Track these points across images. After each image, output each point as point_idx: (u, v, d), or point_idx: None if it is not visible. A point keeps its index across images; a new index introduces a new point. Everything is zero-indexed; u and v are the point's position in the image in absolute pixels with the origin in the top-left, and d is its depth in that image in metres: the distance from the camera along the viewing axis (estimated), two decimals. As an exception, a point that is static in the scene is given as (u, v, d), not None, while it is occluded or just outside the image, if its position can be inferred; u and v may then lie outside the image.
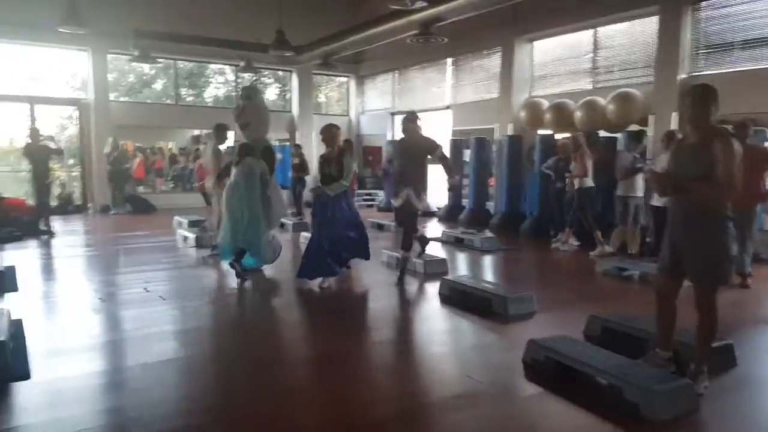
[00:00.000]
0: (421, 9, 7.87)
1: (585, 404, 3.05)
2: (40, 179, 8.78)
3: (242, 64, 12.47)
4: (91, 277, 6.12)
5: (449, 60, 12.54)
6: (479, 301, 4.90)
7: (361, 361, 3.82)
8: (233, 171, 5.75)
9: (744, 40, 7.71)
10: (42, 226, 8.80)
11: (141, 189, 13.81)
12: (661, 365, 3.30)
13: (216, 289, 5.80)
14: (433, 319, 4.85)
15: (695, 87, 3.20)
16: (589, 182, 7.72)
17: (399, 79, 14.27)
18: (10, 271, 5.67)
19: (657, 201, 6.63)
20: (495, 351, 4.06)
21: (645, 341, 3.72)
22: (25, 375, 3.29)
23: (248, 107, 6.18)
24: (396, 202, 5.75)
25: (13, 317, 3.96)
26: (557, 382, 3.31)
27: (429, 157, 5.62)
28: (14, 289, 5.24)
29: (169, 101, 14.15)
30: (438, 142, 5.76)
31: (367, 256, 5.83)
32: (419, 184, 5.59)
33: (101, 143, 11.75)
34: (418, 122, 5.68)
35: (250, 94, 6.40)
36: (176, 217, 9.92)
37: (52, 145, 9.17)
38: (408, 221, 5.70)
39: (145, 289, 5.36)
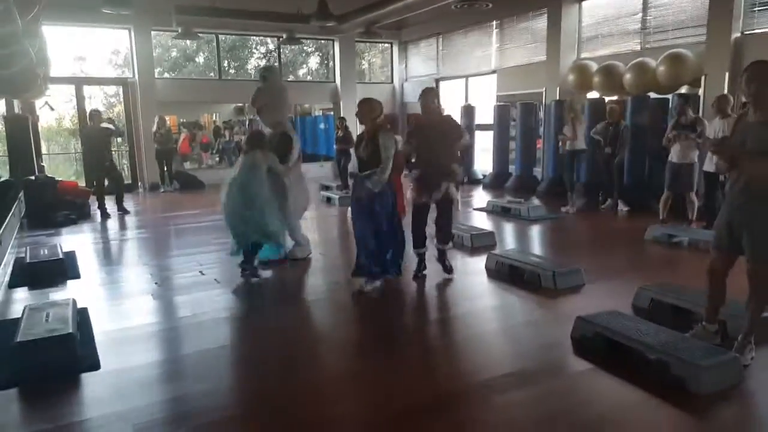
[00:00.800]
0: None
1: (633, 380, 3.07)
2: (101, 162, 8.82)
3: (284, 35, 12.41)
4: (146, 260, 6.26)
5: (494, 23, 12.12)
6: (528, 276, 4.89)
7: (410, 343, 3.83)
8: (238, 162, 5.37)
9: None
10: (110, 207, 8.94)
11: (187, 165, 14.17)
12: (707, 338, 3.36)
13: (270, 270, 5.88)
14: (482, 295, 4.82)
15: (754, 64, 3.10)
16: (581, 145, 8.34)
17: (443, 44, 13.91)
18: (71, 257, 5.92)
19: (709, 166, 6.35)
20: (544, 327, 4.03)
21: (693, 313, 3.76)
22: (95, 365, 3.37)
23: (264, 89, 5.70)
24: (431, 197, 4.82)
25: (79, 306, 4.16)
26: (606, 358, 3.31)
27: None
28: (77, 276, 5.41)
29: (212, 75, 14.33)
30: (462, 128, 5.07)
31: (394, 271, 4.83)
32: (455, 173, 4.83)
33: (148, 121, 12.03)
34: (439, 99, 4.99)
35: (266, 75, 5.88)
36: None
37: (111, 127, 9.31)
38: (447, 214, 4.97)
39: (200, 272, 5.49)
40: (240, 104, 17.05)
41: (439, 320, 4.33)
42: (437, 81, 14.22)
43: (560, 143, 8.57)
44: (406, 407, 2.88)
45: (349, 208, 5.46)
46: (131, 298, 4.83)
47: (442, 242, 5.05)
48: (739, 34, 7.71)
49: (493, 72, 12.26)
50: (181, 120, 15.17)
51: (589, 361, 3.32)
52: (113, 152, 12.92)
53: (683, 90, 8.39)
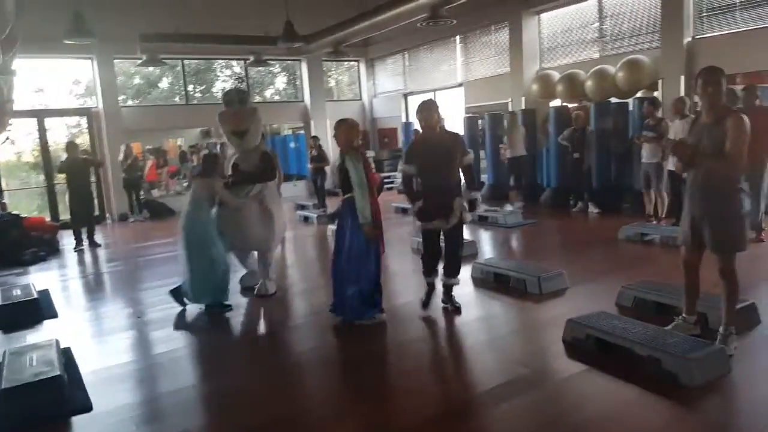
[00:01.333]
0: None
1: (627, 377, 3.17)
2: (82, 193, 8.75)
3: (252, 58, 12.40)
4: (124, 294, 6.14)
5: (458, 38, 12.40)
6: (513, 282, 4.99)
7: (402, 359, 3.82)
8: (188, 193, 5.14)
9: (744, 0, 7.66)
10: (85, 238, 8.87)
11: (155, 192, 13.91)
12: (688, 330, 3.54)
13: (250, 299, 5.74)
14: (469, 305, 4.78)
15: (704, 70, 3.34)
16: (521, 151, 9.21)
17: (409, 60, 14.16)
18: (46, 296, 5.72)
19: (671, 166, 6.65)
20: (535, 332, 4.13)
21: (675, 308, 3.89)
22: (87, 407, 3.26)
23: (247, 112, 5.39)
24: (447, 221, 4.29)
25: (62, 346, 4.02)
26: (598, 358, 3.41)
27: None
28: (54, 315, 5.24)
29: (178, 100, 14.19)
30: (465, 145, 4.58)
31: (354, 315, 4.31)
32: (461, 191, 4.36)
33: (114, 151, 11.82)
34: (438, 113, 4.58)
35: (244, 97, 5.59)
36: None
37: (91, 158, 9.36)
38: (457, 240, 4.46)
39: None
40: (206, 128, 16.96)
41: (431, 334, 4.34)
42: (405, 96, 14.43)
43: (501, 152, 9.57)
44: (404, 426, 2.89)
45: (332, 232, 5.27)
46: (114, 334, 4.71)
47: (451, 275, 4.49)
48: (690, 39, 8.11)
49: (460, 85, 12.51)
50: (147, 147, 14.90)
51: (583, 363, 3.40)
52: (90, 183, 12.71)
53: (639, 94, 8.74)
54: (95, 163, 9.42)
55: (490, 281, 5.22)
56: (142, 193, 12.17)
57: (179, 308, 5.16)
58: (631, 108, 8.52)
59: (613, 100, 9.10)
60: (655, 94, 8.34)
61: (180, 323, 4.86)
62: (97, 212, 12.14)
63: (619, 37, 9.40)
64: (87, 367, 3.88)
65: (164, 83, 16.60)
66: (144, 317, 5.03)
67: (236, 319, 4.93)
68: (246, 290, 5.56)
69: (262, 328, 4.87)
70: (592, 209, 8.58)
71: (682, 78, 8.02)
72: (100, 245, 9.03)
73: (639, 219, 7.34)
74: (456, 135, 4.60)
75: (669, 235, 6.29)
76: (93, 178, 12.22)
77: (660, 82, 8.30)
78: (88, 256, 8.53)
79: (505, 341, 4.00)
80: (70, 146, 8.88)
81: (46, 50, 11.03)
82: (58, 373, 3.43)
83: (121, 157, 11.41)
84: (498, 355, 3.77)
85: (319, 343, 4.27)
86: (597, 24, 9.70)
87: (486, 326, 4.39)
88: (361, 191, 4.06)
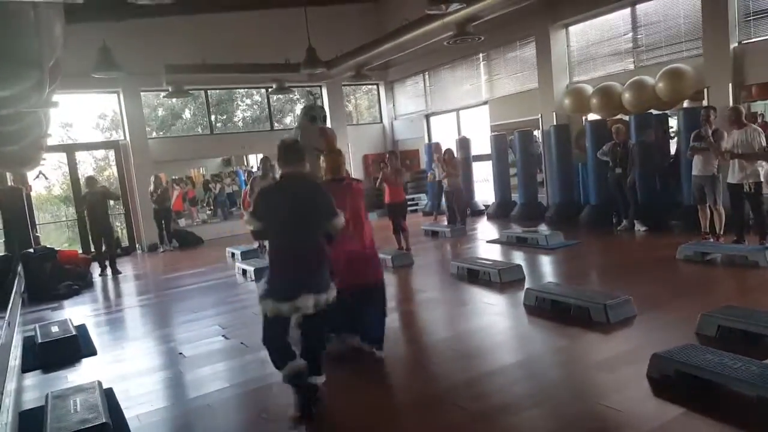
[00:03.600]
0: (456, 11, 7.61)
1: (734, 422, 2.79)
2: (101, 224, 9.23)
3: (274, 86, 12.42)
4: (163, 328, 5.96)
5: (481, 55, 12.23)
6: (575, 310, 4.64)
7: (472, 404, 3.36)
8: None
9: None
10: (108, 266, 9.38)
11: (181, 222, 13.90)
12: None
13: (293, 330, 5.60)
14: (531, 339, 4.50)
15: None
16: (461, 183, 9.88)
17: (430, 80, 14.01)
18: (83, 331, 5.58)
19: (732, 178, 6.29)
20: (612, 369, 3.69)
21: (763, 337, 3.61)
22: None
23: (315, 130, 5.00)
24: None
25: (104, 386, 3.85)
26: (694, 399, 3.05)
27: None
28: (93, 352, 5.08)
29: (201, 130, 14.22)
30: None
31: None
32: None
33: (142, 182, 11.82)
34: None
35: (325, 116, 5.27)
36: (228, 249, 9.88)
37: (110, 191, 9.86)
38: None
39: (223, 336, 5.18)
40: (227, 157, 17.04)
41: (495, 372, 3.84)
42: (427, 117, 14.27)
43: (444, 178, 9.86)
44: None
45: None
46: (157, 373, 4.48)
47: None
48: (737, 44, 7.78)
49: (485, 103, 12.31)
50: (172, 177, 14.97)
51: (678, 404, 3.04)
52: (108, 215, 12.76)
53: (685, 104, 8.43)
54: (113, 196, 9.83)
55: (547, 309, 4.89)
56: (171, 223, 12.13)
57: (220, 344, 4.95)
58: (676, 119, 8.18)
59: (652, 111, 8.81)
60: (702, 103, 7.99)
61: (226, 357, 4.65)
62: (126, 243, 12.17)
63: (655, 46, 9.10)
64: (131, 411, 3.67)
65: (187, 114, 16.76)
66: (187, 354, 4.80)
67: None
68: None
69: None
70: (639, 227, 8.18)
71: (730, 85, 7.66)
72: (121, 273, 9.37)
73: (691, 237, 6.93)
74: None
75: (733, 254, 5.92)
76: (122, 210, 12.33)
77: (706, 90, 7.95)
78: (120, 288, 8.44)
79: (584, 380, 3.61)
80: (90, 181, 9.44)
81: (75, 85, 11.09)
82: (104, 420, 3.25)
83: (151, 188, 11.39)
84: (579, 396, 3.37)
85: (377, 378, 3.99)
86: (630, 34, 9.43)
87: (556, 362, 3.97)
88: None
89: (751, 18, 7.72)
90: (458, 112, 13.36)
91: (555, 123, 10.27)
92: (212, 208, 16.14)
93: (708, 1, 7.90)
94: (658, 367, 3.34)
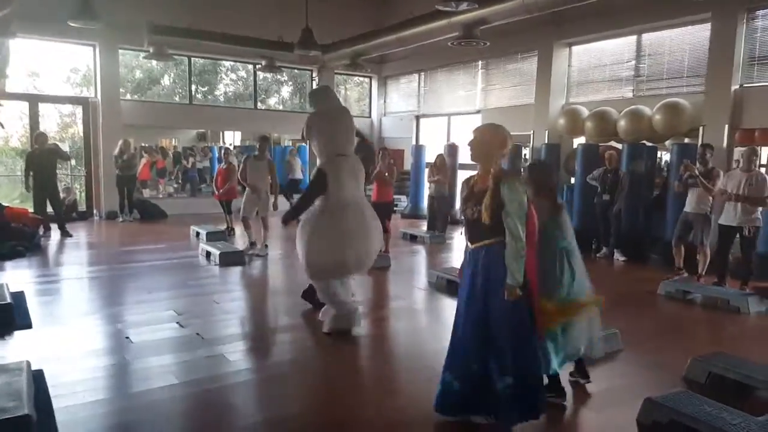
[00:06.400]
0: (466, 11, 7.30)
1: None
2: (47, 184, 8.73)
3: (263, 62, 11.88)
4: (111, 306, 5.41)
5: (480, 63, 11.97)
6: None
7: None
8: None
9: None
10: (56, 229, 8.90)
11: (146, 192, 13.20)
12: None
13: (260, 325, 5.17)
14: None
15: None
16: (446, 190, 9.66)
17: (425, 81, 13.67)
18: (21, 300, 5.00)
19: (725, 219, 6.16)
20: (599, 409, 3.43)
21: (753, 389, 3.51)
22: None
23: None
24: None
25: (34, 367, 3.36)
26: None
27: None
28: (27, 325, 4.52)
29: (179, 99, 13.52)
30: None
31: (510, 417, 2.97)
32: None
33: (109, 145, 11.08)
34: None
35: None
36: (193, 227, 9.32)
37: (60, 149, 9.25)
38: None
39: (178, 323, 4.70)
40: (203, 130, 16.33)
41: None
42: (417, 118, 13.94)
43: (432, 186, 9.68)
44: None
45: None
46: (99, 358, 3.97)
47: None
48: (738, 87, 7.72)
49: (478, 112, 12.06)
50: (142, 144, 14.21)
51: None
52: (66, 176, 11.99)
53: (685, 140, 8.33)
54: (63, 155, 9.44)
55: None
56: (134, 192, 11.43)
57: (174, 332, 4.46)
58: (668, 153, 8.07)
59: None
60: (697, 141, 7.89)
61: (179, 349, 4.18)
62: (84, 208, 11.43)
63: (656, 77, 9.00)
64: (61, 400, 3.20)
65: (166, 80, 15.99)
66: (134, 340, 4.31)
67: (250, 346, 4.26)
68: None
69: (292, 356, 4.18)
70: (618, 256, 8.07)
71: (727, 127, 7.61)
72: (72, 236, 8.92)
73: (668, 271, 6.82)
74: None
75: (715, 296, 5.81)
76: (83, 172, 11.57)
77: (701, 129, 7.86)
78: (70, 256, 7.80)
79: (569, 418, 3.34)
80: (39, 137, 9.03)
81: (48, 32, 10.39)
82: (26, 411, 2.77)
83: (116, 152, 10.67)
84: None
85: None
86: (633, 62, 9.30)
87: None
88: (517, 238, 2.84)
89: (756, 62, 7.67)
90: (450, 117, 13.07)
91: (547, 141, 10.09)
92: (180, 182, 15.47)
93: (716, 40, 7.83)
94: (650, 413, 3.08)
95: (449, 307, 5.50)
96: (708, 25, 7.98)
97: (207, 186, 13.88)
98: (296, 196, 11.40)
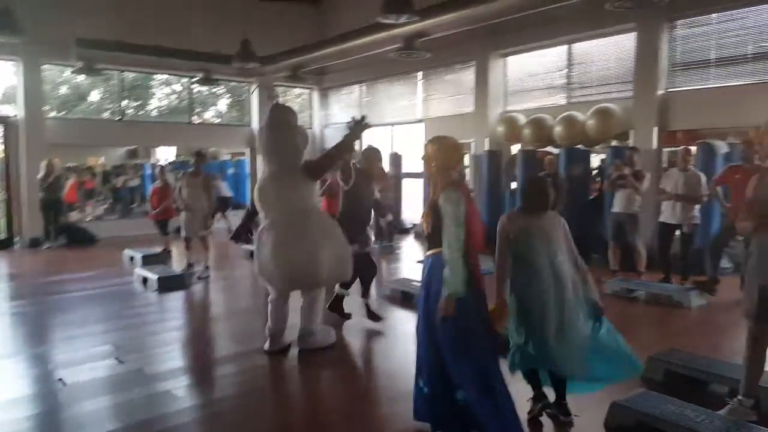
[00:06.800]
0: (407, 23, 7.33)
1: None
2: None
3: (200, 75, 11.50)
4: (38, 345, 4.94)
5: (420, 74, 12.09)
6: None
7: None
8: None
9: (719, 58, 7.80)
10: None
11: (74, 215, 12.40)
12: (745, 415, 3.11)
13: (207, 354, 4.85)
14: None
15: None
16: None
17: (366, 92, 13.66)
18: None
19: (666, 217, 6.42)
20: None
21: (706, 384, 3.67)
22: None
23: None
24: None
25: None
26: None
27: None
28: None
29: (109, 116, 12.84)
30: None
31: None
32: None
33: (33, 167, 10.36)
34: None
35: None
36: (126, 251, 8.79)
37: None
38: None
39: (117, 359, 4.35)
40: (133, 147, 15.63)
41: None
42: (359, 128, 13.89)
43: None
44: None
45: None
46: (26, 406, 3.60)
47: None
48: (663, 91, 8.15)
49: (420, 121, 12.16)
50: (68, 164, 13.37)
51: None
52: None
53: (614, 143, 8.70)
54: None
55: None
56: (61, 216, 10.69)
57: (112, 370, 4.13)
58: (603, 156, 8.41)
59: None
60: (628, 143, 8.28)
61: (120, 387, 3.85)
62: (4, 235, 10.60)
63: (587, 84, 9.39)
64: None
65: (95, 96, 15.19)
66: (69, 381, 3.93)
67: (200, 381, 3.98)
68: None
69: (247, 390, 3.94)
70: (563, 260, 8.28)
71: (655, 129, 8.03)
72: None
73: (608, 271, 6.96)
74: None
75: (659, 293, 6.03)
76: (3, 196, 10.74)
77: (632, 132, 8.25)
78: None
79: (532, 422, 3.30)
80: None
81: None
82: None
83: (41, 174, 9.96)
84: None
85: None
86: (565, 71, 9.66)
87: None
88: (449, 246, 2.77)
89: (678, 69, 8.14)
90: (392, 127, 13.11)
91: (487, 148, 10.29)
92: (111, 202, 14.71)
93: (642, 48, 8.25)
94: (617, 417, 3.14)
95: (407, 320, 5.47)
96: (633, 35, 8.40)
97: (139, 206, 13.25)
98: (230, 213, 11.06)
